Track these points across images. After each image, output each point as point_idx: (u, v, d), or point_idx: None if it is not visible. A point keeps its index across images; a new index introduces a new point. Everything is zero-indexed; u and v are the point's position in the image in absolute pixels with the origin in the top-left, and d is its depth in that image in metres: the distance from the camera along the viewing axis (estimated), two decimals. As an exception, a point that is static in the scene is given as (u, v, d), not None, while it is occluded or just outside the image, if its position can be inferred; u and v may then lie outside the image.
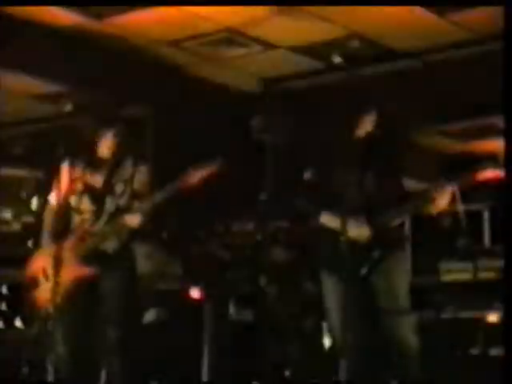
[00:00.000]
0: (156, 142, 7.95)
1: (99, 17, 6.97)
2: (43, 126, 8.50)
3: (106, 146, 4.77)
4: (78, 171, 4.69)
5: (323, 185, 4.49)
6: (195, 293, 5.72)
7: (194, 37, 7.39)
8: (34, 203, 6.34)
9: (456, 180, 4.29)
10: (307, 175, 4.52)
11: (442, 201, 4.30)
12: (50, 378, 4.36)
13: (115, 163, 4.81)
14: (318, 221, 4.46)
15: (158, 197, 4.62)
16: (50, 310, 4.61)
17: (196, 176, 4.58)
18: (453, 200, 4.38)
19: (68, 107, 4.47)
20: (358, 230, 4.34)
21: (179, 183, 4.58)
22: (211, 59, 7.88)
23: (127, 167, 4.81)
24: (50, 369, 4.36)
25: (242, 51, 7.67)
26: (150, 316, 5.73)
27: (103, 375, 4.76)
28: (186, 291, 5.78)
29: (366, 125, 4.50)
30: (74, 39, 7.24)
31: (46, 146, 5.08)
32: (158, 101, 7.80)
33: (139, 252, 6.22)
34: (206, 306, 5.51)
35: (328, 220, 4.42)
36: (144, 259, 6.26)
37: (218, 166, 4.62)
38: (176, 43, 7.54)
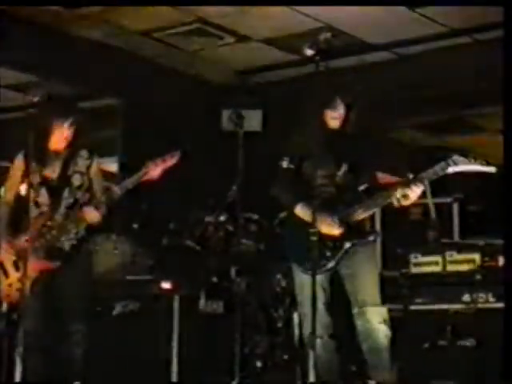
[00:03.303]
0: (126, 132, 7.92)
1: (71, 7, 6.91)
2: (14, 116, 8.43)
3: (60, 138, 4.74)
4: (33, 163, 4.63)
5: (298, 174, 4.49)
6: (166, 284, 5.70)
7: (166, 27, 7.36)
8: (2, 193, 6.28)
9: (426, 175, 4.29)
10: (284, 163, 4.52)
11: (413, 196, 4.30)
12: (18, 370, 4.33)
13: (71, 154, 4.78)
14: (294, 210, 4.46)
15: (117, 191, 4.60)
16: (12, 304, 4.60)
17: (156, 169, 4.56)
18: (423, 193, 4.39)
19: (37, 97, 4.41)
20: (330, 227, 4.35)
21: (139, 177, 4.57)
22: (183, 50, 7.85)
23: (83, 158, 4.79)
24: (18, 361, 4.32)
25: (213, 42, 7.64)
26: (119, 307, 5.70)
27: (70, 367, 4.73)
28: (157, 282, 5.76)
29: (339, 117, 4.51)
30: (44, 27, 7.19)
31: (16, 135, 5.03)
32: (129, 91, 7.77)
33: (110, 243, 6.23)
34: (176, 297, 5.49)
35: (302, 212, 4.43)
36: (115, 250, 6.24)
37: (178, 158, 4.60)
38: (148, 33, 7.50)
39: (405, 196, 4.29)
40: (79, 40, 7.45)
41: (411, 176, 4.29)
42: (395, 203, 4.35)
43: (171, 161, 4.60)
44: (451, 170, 4.25)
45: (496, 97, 4.71)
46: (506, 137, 4.19)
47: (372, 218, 4.63)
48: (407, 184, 4.29)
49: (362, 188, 4.45)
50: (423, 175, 4.29)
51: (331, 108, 4.46)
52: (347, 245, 4.41)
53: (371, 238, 4.50)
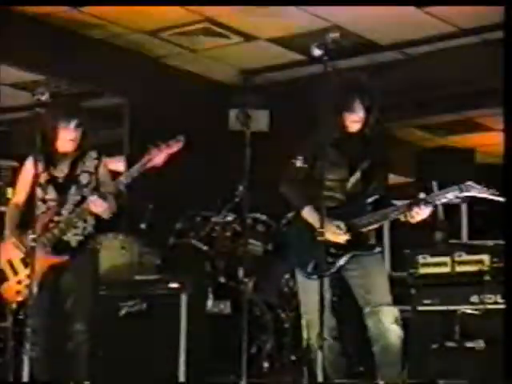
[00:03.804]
0: (132, 131, 7.91)
1: (77, 5, 6.91)
2: (21, 115, 8.43)
3: (66, 140, 4.73)
4: (42, 163, 4.62)
5: (311, 175, 4.45)
6: (173, 284, 5.70)
7: (172, 27, 7.35)
8: (10, 193, 6.29)
9: (437, 197, 4.27)
10: (298, 162, 4.48)
11: (421, 216, 4.29)
12: (25, 369, 4.33)
13: (79, 155, 4.78)
14: (301, 212, 4.43)
15: (122, 180, 4.60)
16: (21, 302, 4.60)
17: (160, 155, 4.54)
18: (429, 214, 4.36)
19: (45, 96, 4.40)
20: (336, 234, 4.33)
21: (143, 164, 4.55)
22: (190, 49, 7.84)
23: (91, 159, 4.79)
24: (25, 360, 4.32)
25: (220, 42, 7.64)
26: (127, 307, 5.70)
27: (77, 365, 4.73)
28: (164, 282, 5.76)
29: (359, 121, 4.43)
30: (52, 27, 7.19)
31: (22, 134, 5.04)
32: (136, 90, 7.76)
33: (117, 243, 6.23)
34: (183, 298, 5.49)
35: (309, 215, 4.40)
36: (122, 250, 6.24)
37: (181, 143, 4.57)
38: (154, 33, 7.50)
39: (413, 215, 4.28)
40: (86, 39, 7.45)
41: (422, 196, 4.28)
42: (402, 219, 4.34)
43: (175, 146, 4.58)
44: (462, 195, 4.26)
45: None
46: (506, 137, 4.19)
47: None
48: (417, 203, 4.26)
49: (371, 200, 4.43)
50: (434, 197, 4.29)
51: (351, 111, 4.40)
52: (349, 255, 4.38)
53: (375, 250, 4.48)
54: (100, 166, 4.79)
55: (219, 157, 7.80)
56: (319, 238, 4.02)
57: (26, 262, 4.68)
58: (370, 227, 4.42)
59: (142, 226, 6.45)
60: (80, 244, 4.73)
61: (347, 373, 4.62)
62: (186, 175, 7.29)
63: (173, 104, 7.90)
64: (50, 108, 4.48)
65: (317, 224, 4.13)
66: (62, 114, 4.70)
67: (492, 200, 4.31)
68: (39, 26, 7.12)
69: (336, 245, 4.36)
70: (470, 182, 4.25)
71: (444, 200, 4.30)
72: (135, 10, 6.96)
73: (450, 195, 4.27)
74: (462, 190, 4.25)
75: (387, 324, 4.35)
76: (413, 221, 4.32)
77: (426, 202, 4.26)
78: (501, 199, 4.19)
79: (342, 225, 4.34)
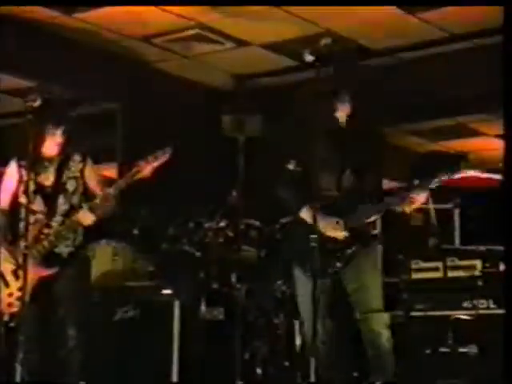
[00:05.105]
0: (125, 137, 7.91)
1: (70, 12, 6.91)
2: (12, 121, 8.43)
3: (52, 144, 4.73)
4: (27, 170, 4.57)
5: (305, 176, 4.45)
6: (166, 290, 5.69)
7: (165, 33, 7.35)
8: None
9: (430, 180, 4.28)
10: (290, 166, 4.49)
11: (417, 202, 4.30)
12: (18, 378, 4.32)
13: (64, 159, 4.77)
14: (299, 214, 4.44)
15: (110, 192, 4.60)
16: (13, 313, 4.58)
17: (147, 168, 4.55)
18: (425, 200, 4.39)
19: (36, 103, 4.40)
20: (335, 230, 4.34)
21: (131, 176, 4.55)
22: (182, 55, 7.85)
23: (76, 162, 4.78)
24: (18, 369, 4.31)
25: (213, 48, 7.64)
26: (120, 313, 5.69)
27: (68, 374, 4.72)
28: (157, 288, 5.76)
29: (341, 119, 4.47)
30: (45, 34, 7.19)
31: (13, 141, 5.02)
32: (129, 96, 7.76)
33: (110, 249, 6.21)
34: (176, 304, 5.48)
35: (307, 215, 4.41)
36: (115, 257, 6.23)
37: (168, 155, 4.58)
38: (147, 39, 7.50)
39: (409, 202, 4.29)
40: (79, 45, 7.45)
41: (416, 182, 4.29)
42: (398, 209, 4.36)
43: (163, 158, 4.58)
44: (457, 175, 4.26)
45: (495, 102, 4.70)
46: (506, 142, 4.20)
47: (373, 223, 4.62)
48: (411, 190, 4.27)
49: (365, 195, 4.43)
50: (429, 181, 4.28)
51: (339, 103, 4.44)
52: (350, 250, 4.40)
53: (375, 243, 4.49)
54: (85, 168, 4.79)
55: (212, 162, 7.80)
56: (314, 243, 4.02)
57: (17, 275, 4.66)
58: (367, 221, 4.43)
59: (135, 231, 6.44)
60: (71, 255, 4.72)
61: (343, 377, 4.62)
62: (179, 180, 7.29)
63: (165, 110, 7.89)
64: (37, 114, 4.48)
65: (315, 222, 4.13)
66: (49, 121, 4.70)
67: (485, 205, 4.31)
68: (31, 33, 7.11)
69: (335, 242, 4.37)
70: (463, 161, 4.26)
71: (439, 184, 4.29)
72: (128, 16, 6.97)
73: (445, 178, 4.26)
74: (453, 171, 4.25)
75: (377, 330, 4.37)
76: (408, 209, 4.33)
77: (422, 188, 4.28)
78: (492, 176, 4.18)
79: (341, 222, 4.35)
